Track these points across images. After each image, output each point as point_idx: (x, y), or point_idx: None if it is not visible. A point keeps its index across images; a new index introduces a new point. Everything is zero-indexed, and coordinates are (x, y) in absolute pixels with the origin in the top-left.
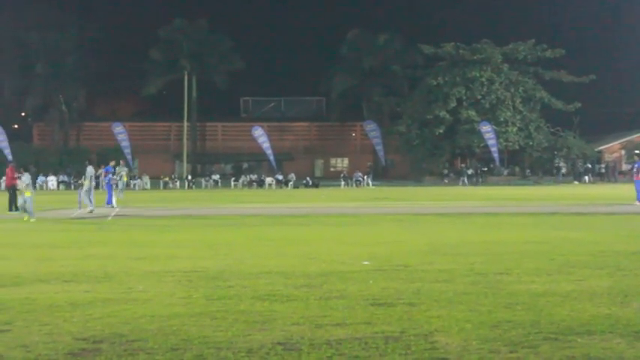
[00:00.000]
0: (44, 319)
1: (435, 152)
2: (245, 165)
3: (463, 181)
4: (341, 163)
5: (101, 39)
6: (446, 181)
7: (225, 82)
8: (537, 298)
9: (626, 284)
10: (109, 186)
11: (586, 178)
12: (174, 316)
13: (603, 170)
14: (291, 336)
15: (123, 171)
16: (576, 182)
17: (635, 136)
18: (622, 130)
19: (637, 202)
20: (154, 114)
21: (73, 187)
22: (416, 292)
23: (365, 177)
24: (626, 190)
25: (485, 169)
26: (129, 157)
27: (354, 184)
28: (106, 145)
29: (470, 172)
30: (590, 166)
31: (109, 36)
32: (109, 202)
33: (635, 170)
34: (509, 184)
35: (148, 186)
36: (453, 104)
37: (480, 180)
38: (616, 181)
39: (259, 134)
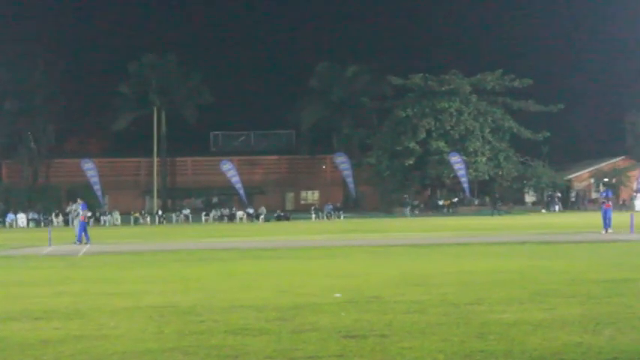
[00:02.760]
0: (15, 357)
1: (405, 183)
2: (215, 199)
3: (405, 212)
4: (311, 196)
5: (70, 75)
6: (416, 212)
7: (195, 117)
8: (509, 328)
9: (598, 312)
10: (81, 223)
11: (556, 207)
12: (146, 352)
13: (573, 199)
14: None
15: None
16: (544, 211)
17: (603, 164)
18: (591, 158)
19: (603, 231)
20: (123, 149)
21: (42, 224)
22: (388, 324)
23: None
24: (595, 218)
25: (456, 199)
26: (99, 193)
27: (325, 217)
28: (76, 181)
29: (415, 202)
30: (559, 194)
31: (78, 72)
32: (79, 239)
33: (603, 199)
34: (479, 214)
35: (119, 222)
36: (423, 135)
37: (451, 210)
38: (585, 210)
39: (228, 168)
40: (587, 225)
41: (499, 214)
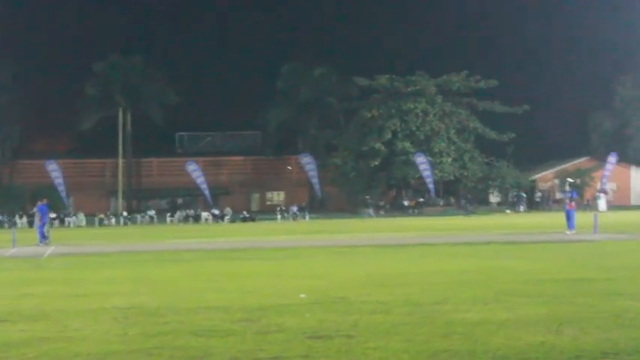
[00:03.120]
0: None
1: (370, 184)
2: (180, 200)
3: (368, 213)
4: (277, 197)
5: (36, 75)
6: (382, 212)
7: (161, 117)
8: (473, 327)
9: (561, 312)
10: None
11: (520, 207)
12: (110, 354)
13: (538, 199)
14: None
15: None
16: (509, 211)
17: (568, 164)
18: (555, 159)
19: (567, 231)
20: (89, 150)
21: (6, 225)
22: (353, 325)
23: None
24: (560, 218)
25: (421, 200)
26: (63, 194)
27: (291, 218)
28: (41, 182)
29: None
30: (524, 195)
31: (44, 72)
32: (41, 240)
33: (568, 199)
34: (444, 215)
35: (84, 223)
36: (388, 136)
37: (416, 211)
38: (550, 210)
39: (193, 169)
40: (552, 225)
41: (469, 215)
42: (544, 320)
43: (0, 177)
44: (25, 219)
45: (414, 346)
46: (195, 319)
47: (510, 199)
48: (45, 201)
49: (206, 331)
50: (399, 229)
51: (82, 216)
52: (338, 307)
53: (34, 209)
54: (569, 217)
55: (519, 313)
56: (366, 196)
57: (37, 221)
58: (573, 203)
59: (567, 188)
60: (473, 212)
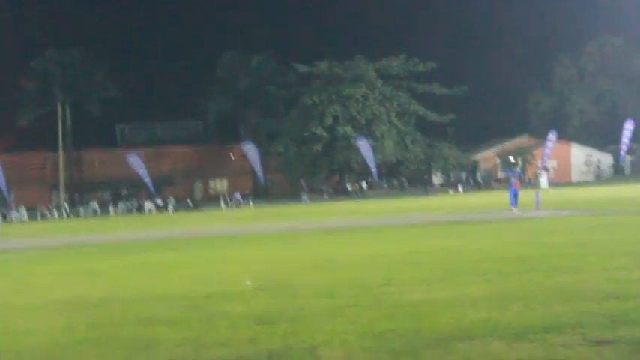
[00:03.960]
0: None
1: (313, 170)
2: (125, 192)
3: (304, 199)
4: (220, 185)
5: None
6: (326, 196)
7: (100, 110)
8: (418, 307)
9: (506, 289)
10: None
11: (459, 187)
12: (56, 346)
13: (480, 179)
14: (175, 358)
15: None
16: (451, 192)
17: (508, 143)
18: (496, 138)
19: (514, 209)
20: (29, 145)
21: None
22: (298, 308)
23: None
24: (501, 197)
25: (364, 183)
26: (4, 189)
27: (234, 205)
28: None
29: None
30: (466, 175)
31: None
32: None
33: (513, 177)
34: (388, 198)
35: (26, 218)
36: (330, 122)
37: (360, 194)
38: (492, 189)
39: (133, 161)
40: (495, 204)
41: (428, 195)
42: (488, 297)
43: None
44: None
45: (359, 328)
46: (139, 308)
47: (452, 180)
48: None
49: (151, 319)
50: (342, 214)
51: (23, 210)
52: (283, 292)
53: None
54: (515, 196)
55: (464, 291)
56: (301, 181)
57: None
58: (519, 182)
59: (517, 169)
60: (432, 193)
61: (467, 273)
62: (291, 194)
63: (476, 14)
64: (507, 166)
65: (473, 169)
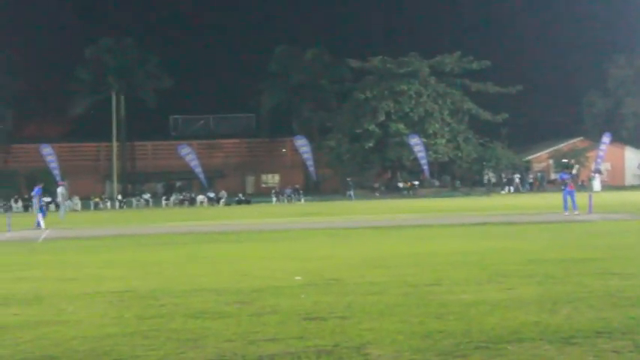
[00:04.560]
0: None
1: (365, 166)
2: (178, 183)
3: (349, 194)
4: (272, 179)
5: (28, 59)
6: (377, 194)
7: (154, 101)
8: (468, 308)
9: (555, 292)
10: (41, 208)
11: (511, 187)
12: (105, 337)
13: (531, 180)
14: (223, 353)
15: (62, 191)
16: (503, 192)
17: (562, 145)
18: (549, 139)
19: (566, 212)
20: (82, 134)
21: (2, 210)
22: (348, 306)
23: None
24: (554, 198)
25: (416, 181)
26: (58, 178)
27: (286, 200)
28: (35, 166)
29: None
30: (519, 176)
31: (36, 56)
32: (39, 224)
33: (567, 180)
34: (439, 196)
35: (79, 207)
36: (382, 118)
37: (411, 192)
38: (545, 191)
39: (186, 152)
40: (547, 206)
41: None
42: (538, 300)
43: None
44: (20, 203)
45: (408, 327)
46: (189, 301)
47: (504, 181)
48: (41, 185)
49: (201, 313)
50: (393, 211)
51: (77, 200)
52: (332, 289)
53: (32, 193)
54: (572, 197)
55: (514, 293)
56: (348, 178)
57: (36, 204)
58: (573, 184)
59: (574, 171)
60: (486, 193)
61: (516, 274)
62: (342, 190)
63: (532, 13)
64: (562, 168)
65: (525, 169)
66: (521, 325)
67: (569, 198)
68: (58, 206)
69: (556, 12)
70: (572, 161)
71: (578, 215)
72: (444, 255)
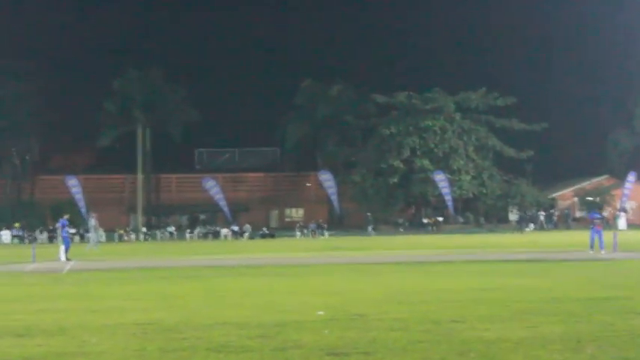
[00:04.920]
0: None
1: (389, 201)
2: (202, 216)
3: (368, 230)
4: (296, 213)
5: (54, 91)
6: (401, 229)
7: (180, 134)
8: (491, 345)
9: (579, 330)
10: (66, 239)
11: (533, 225)
12: None
13: (555, 218)
14: None
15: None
16: (528, 230)
17: (586, 183)
18: (574, 177)
19: (591, 251)
20: (108, 166)
21: (27, 241)
22: (371, 341)
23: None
24: (579, 236)
25: (440, 218)
26: (83, 210)
27: (310, 234)
28: (60, 198)
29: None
30: (544, 213)
31: (63, 88)
32: (62, 256)
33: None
34: (463, 233)
35: (103, 239)
36: (407, 153)
37: (435, 228)
38: (570, 228)
39: (211, 186)
40: (572, 244)
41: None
42: (562, 338)
43: (20, 192)
44: (45, 234)
45: None
46: (212, 335)
47: (529, 218)
48: (67, 216)
49: (223, 347)
50: (417, 247)
51: (101, 232)
52: (356, 324)
53: (57, 224)
54: (598, 237)
55: (537, 331)
56: (368, 214)
57: (60, 236)
58: (601, 224)
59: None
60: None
61: (539, 312)
62: (366, 225)
63: (557, 50)
64: (593, 208)
65: (550, 206)
66: None
67: (596, 237)
68: (84, 237)
69: (582, 50)
70: (597, 199)
71: (603, 254)
72: (468, 292)
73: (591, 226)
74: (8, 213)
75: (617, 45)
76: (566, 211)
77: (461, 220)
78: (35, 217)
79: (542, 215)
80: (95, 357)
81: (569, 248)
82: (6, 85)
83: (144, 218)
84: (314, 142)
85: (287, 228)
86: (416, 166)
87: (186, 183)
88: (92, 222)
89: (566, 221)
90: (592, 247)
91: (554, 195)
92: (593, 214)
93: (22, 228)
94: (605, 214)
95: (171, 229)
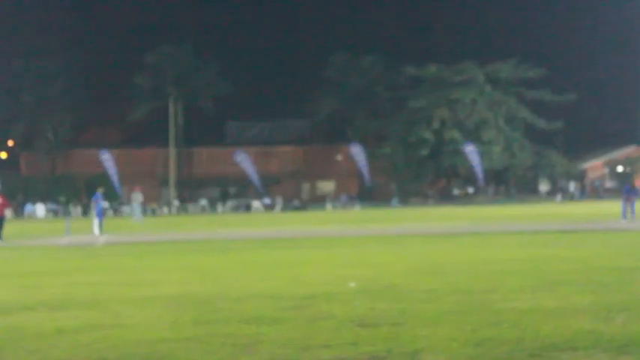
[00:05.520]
0: (31, 346)
1: (419, 173)
2: (234, 189)
3: (394, 202)
4: (327, 186)
5: (87, 65)
6: (431, 201)
7: (211, 107)
8: (522, 316)
9: (610, 300)
10: (100, 214)
11: (562, 195)
12: (161, 341)
13: (587, 188)
14: (277, 358)
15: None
16: (558, 200)
17: (617, 153)
18: (604, 147)
19: (623, 220)
20: (140, 140)
21: (61, 214)
22: (401, 312)
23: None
24: (609, 207)
25: (471, 189)
26: (116, 184)
27: (341, 207)
28: (94, 172)
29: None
30: (574, 183)
31: (95, 62)
32: (97, 229)
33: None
34: (494, 204)
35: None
36: (437, 125)
37: (465, 200)
38: (601, 199)
39: (242, 159)
40: (603, 214)
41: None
42: (593, 308)
43: (54, 167)
44: (79, 208)
45: (462, 334)
46: (245, 307)
47: (558, 189)
48: (101, 190)
49: (256, 318)
50: (448, 219)
51: (136, 205)
52: (386, 296)
53: (92, 198)
54: (631, 209)
55: (568, 301)
56: (393, 186)
57: (94, 209)
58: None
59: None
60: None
61: (570, 283)
62: (398, 197)
63: (587, 20)
64: (620, 178)
65: (581, 177)
66: (575, 333)
67: (628, 207)
68: (117, 211)
69: (613, 19)
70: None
71: (635, 223)
72: (499, 262)
73: (624, 198)
74: (43, 187)
75: None
76: (597, 181)
77: (491, 191)
78: (69, 191)
79: (572, 186)
80: (129, 329)
81: (599, 218)
82: (39, 60)
83: (176, 192)
84: (344, 115)
85: (318, 200)
86: (446, 138)
87: (218, 156)
88: (138, 197)
89: (597, 192)
90: (625, 217)
91: (584, 165)
92: (627, 187)
93: (66, 202)
94: (637, 184)
95: (203, 202)
